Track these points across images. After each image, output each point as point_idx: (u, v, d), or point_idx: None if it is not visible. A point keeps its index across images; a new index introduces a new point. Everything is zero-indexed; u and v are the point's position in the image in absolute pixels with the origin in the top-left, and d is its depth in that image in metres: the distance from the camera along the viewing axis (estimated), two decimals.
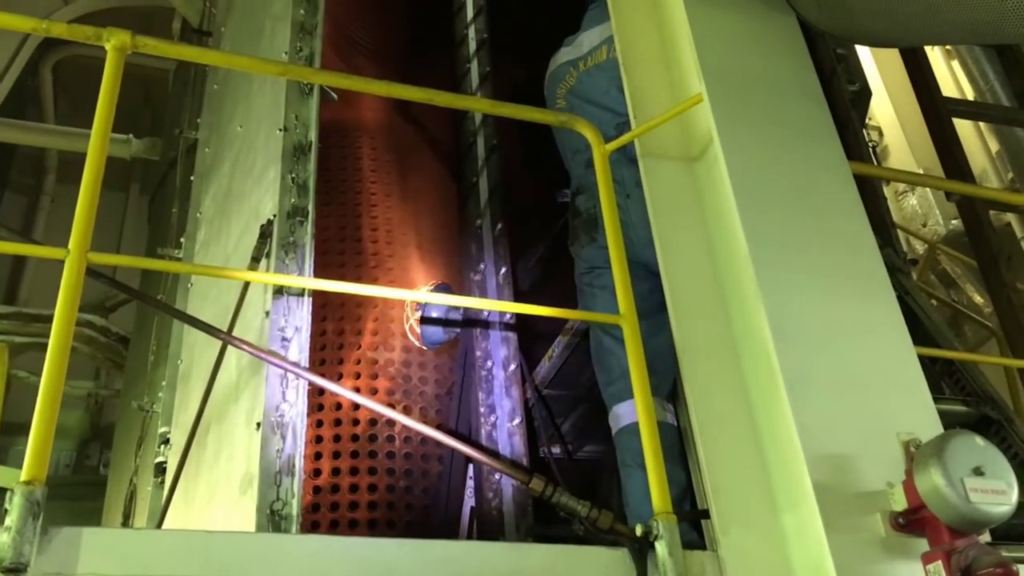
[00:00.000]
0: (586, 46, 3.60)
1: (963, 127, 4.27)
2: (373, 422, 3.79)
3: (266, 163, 3.21)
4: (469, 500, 3.72)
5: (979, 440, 1.92)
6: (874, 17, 2.42)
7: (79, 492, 7.56)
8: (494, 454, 3.53)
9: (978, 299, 7.38)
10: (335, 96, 3.34)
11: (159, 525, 2.95)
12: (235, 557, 1.88)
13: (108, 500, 5.28)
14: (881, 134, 8.42)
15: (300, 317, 2.80)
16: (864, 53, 5.66)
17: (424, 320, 3.83)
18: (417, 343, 3.87)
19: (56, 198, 10.87)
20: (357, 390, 3.80)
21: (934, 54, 5.08)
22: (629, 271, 2.56)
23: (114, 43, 2.41)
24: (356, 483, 3.66)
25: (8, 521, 1.74)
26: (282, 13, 3.53)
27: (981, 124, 7.42)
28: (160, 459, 3.69)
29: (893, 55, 7.53)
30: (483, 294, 3.94)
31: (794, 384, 2.21)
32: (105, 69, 2.38)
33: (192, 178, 4.60)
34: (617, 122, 3.24)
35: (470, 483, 3.73)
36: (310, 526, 3.07)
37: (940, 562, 1.85)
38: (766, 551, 2.20)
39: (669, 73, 3.00)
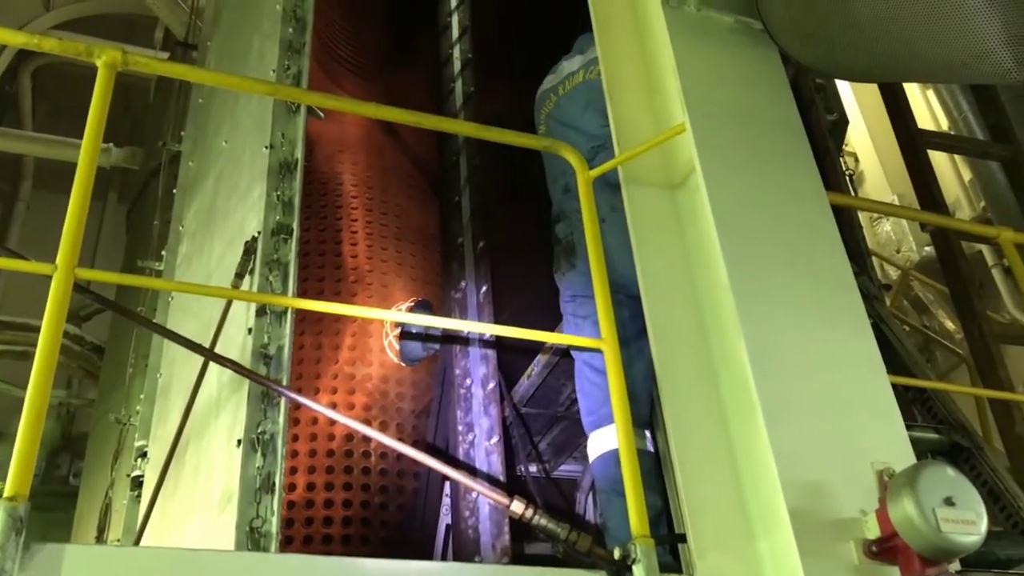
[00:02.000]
0: (565, 71, 3.65)
1: (937, 157, 4.36)
2: (349, 438, 3.80)
3: (251, 180, 3.22)
4: (445, 517, 3.73)
5: (950, 471, 1.96)
6: (854, 54, 2.48)
7: (48, 503, 7.47)
8: (472, 473, 3.54)
9: (950, 325, 7.50)
10: (322, 114, 3.37)
11: (137, 541, 2.94)
12: (219, 574, 1.89)
13: (79, 512, 5.23)
14: (857, 160, 8.55)
15: (283, 335, 2.81)
16: (842, 82, 5.75)
17: (403, 336, 3.85)
18: (395, 359, 3.89)
19: (32, 205, 10.78)
20: (334, 405, 3.81)
21: (910, 85, 5.19)
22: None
23: (105, 60, 2.41)
24: (331, 499, 3.67)
25: None
26: (270, 31, 3.55)
27: (955, 155, 7.55)
28: (137, 472, 3.67)
29: (870, 85, 7.67)
30: (464, 312, 3.96)
31: (772, 411, 2.25)
32: (96, 86, 2.38)
33: (174, 191, 4.60)
34: (592, 145, 3.26)
35: (446, 500, 3.74)
36: (284, 541, 3.07)
37: None
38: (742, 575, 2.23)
39: (653, 102, 3.05)
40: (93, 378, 8.20)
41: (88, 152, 2.21)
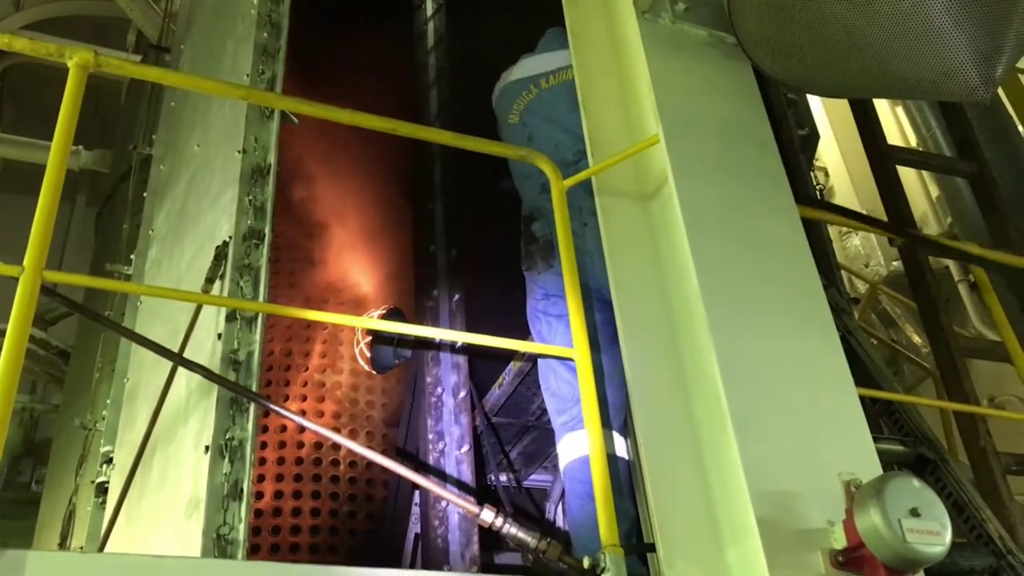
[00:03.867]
0: (553, 63, 3.58)
1: (906, 173, 4.41)
2: (318, 446, 3.78)
3: (223, 184, 3.20)
4: (414, 526, 3.72)
5: (916, 482, 1.99)
6: (827, 70, 2.52)
7: (9, 510, 7.36)
8: (443, 481, 3.53)
9: (916, 339, 7.60)
10: (296, 120, 3.35)
11: (101, 547, 2.90)
12: None
13: (42, 519, 5.15)
14: (827, 175, 8.65)
15: (253, 341, 2.79)
16: (813, 97, 5.82)
17: (374, 344, 3.83)
18: (366, 367, 3.87)
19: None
20: (303, 413, 3.79)
21: (880, 102, 5.25)
22: (584, 300, 2.60)
23: (77, 61, 2.39)
24: (299, 507, 3.65)
25: None
26: (245, 35, 3.53)
27: (923, 171, 7.65)
28: (102, 479, 3.63)
29: (842, 101, 7.77)
30: (435, 320, 3.95)
31: (741, 421, 2.27)
32: (67, 87, 2.36)
33: (145, 194, 4.56)
34: (577, 148, 3.24)
35: (415, 510, 3.73)
36: (251, 550, 3.05)
37: None
38: None
39: (627, 113, 3.06)
40: (58, 383, 8.09)
41: (58, 153, 2.19)
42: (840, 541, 2.06)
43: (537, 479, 4.15)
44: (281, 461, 3.70)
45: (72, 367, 6.23)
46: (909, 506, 1.93)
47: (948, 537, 1.93)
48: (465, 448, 3.66)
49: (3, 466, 9.18)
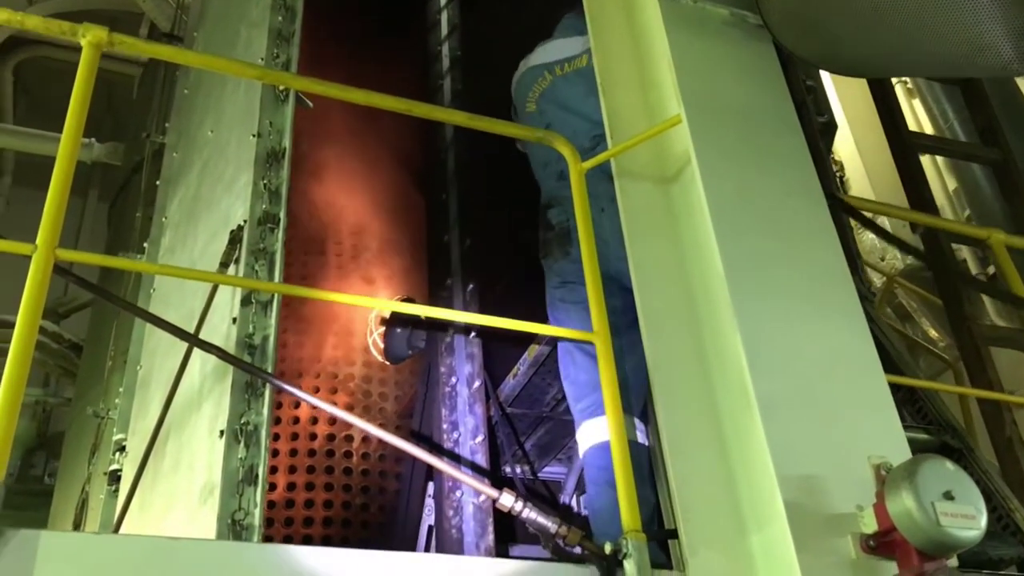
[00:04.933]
0: (566, 51, 3.56)
1: (922, 164, 4.36)
2: (330, 437, 3.76)
3: (238, 169, 3.17)
4: (427, 518, 3.69)
5: (949, 465, 1.94)
6: (853, 47, 2.47)
7: (22, 502, 7.36)
8: (460, 465, 3.51)
9: (933, 333, 7.51)
10: (310, 104, 3.32)
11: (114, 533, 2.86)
12: (199, 564, 1.84)
13: (55, 509, 5.14)
14: (842, 167, 8.56)
15: (268, 325, 2.75)
16: (827, 87, 5.77)
17: (388, 334, 3.80)
18: (380, 358, 3.84)
19: (12, 201, 10.65)
20: (315, 406, 3.76)
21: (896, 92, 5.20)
22: (603, 286, 2.56)
23: (90, 39, 2.37)
24: (311, 499, 3.62)
25: None
26: (259, 20, 3.49)
27: (939, 162, 7.57)
28: (115, 467, 3.60)
29: (855, 90, 7.69)
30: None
31: (767, 404, 2.22)
32: (80, 64, 2.33)
33: (158, 183, 4.54)
34: (594, 133, 3.22)
35: (429, 502, 3.70)
36: (263, 541, 3.01)
37: None
38: (734, 571, 2.19)
39: (646, 96, 3.02)
40: (70, 376, 8.09)
41: (72, 127, 2.16)
42: (870, 526, 2.01)
43: (551, 471, 4.11)
44: (294, 452, 3.68)
45: (84, 359, 6.22)
46: (943, 489, 1.88)
47: (983, 521, 1.88)
48: (480, 438, 3.63)
49: (16, 459, 9.19)
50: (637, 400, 2.76)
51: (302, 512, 3.59)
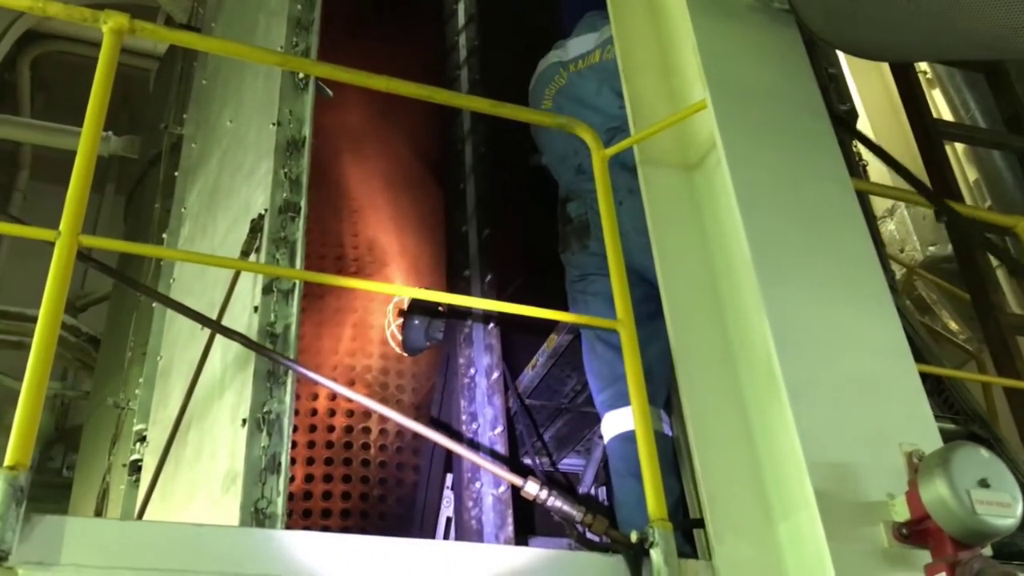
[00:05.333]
0: (579, 49, 3.59)
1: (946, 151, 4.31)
2: (348, 429, 3.75)
3: (258, 158, 3.16)
4: (445, 510, 3.67)
5: (984, 452, 1.90)
6: (882, 30, 2.42)
7: (41, 494, 7.38)
8: (477, 462, 3.49)
9: (953, 325, 7.44)
10: (330, 93, 3.30)
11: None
12: (224, 551, 1.83)
13: (74, 500, 5.15)
14: (861, 156, 8.48)
15: (289, 313, 2.74)
16: (846, 75, 5.71)
17: (406, 325, 3.78)
18: (397, 349, 3.82)
19: (28, 195, 10.69)
20: (333, 397, 3.76)
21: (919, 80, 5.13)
22: None
23: (112, 25, 2.36)
24: (329, 490, 3.61)
25: None
26: (278, 8, 3.48)
27: (960, 153, 7.50)
28: (135, 457, 3.60)
29: (874, 79, 7.63)
30: None
31: (796, 391, 2.19)
32: (101, 51, 2.33)
33: (176, 174, 4.53)
34: (608, 126, 3.23)
35: (447, 493, 3.68)
36: None
37: (944, 574, 1.84)
38: (761, 560, 2.17)
39: (669, 82, 3.00)
40: (89, 370, 8.11)
41: (94, 113, 2.16)
42: (902, 514, 1.98)
43: (569, 463, 4.09)
44: (312, 444, 3.67)
45: (103, 351, 6.24)
46: (978, 476, 1.84)
47: (1019, 509, 1.84)
48: (499, 429, 3.61)
49: (35, 452, 9.23)
50: (660, 390, 2.74)
51: (320, 504, 3.58)
